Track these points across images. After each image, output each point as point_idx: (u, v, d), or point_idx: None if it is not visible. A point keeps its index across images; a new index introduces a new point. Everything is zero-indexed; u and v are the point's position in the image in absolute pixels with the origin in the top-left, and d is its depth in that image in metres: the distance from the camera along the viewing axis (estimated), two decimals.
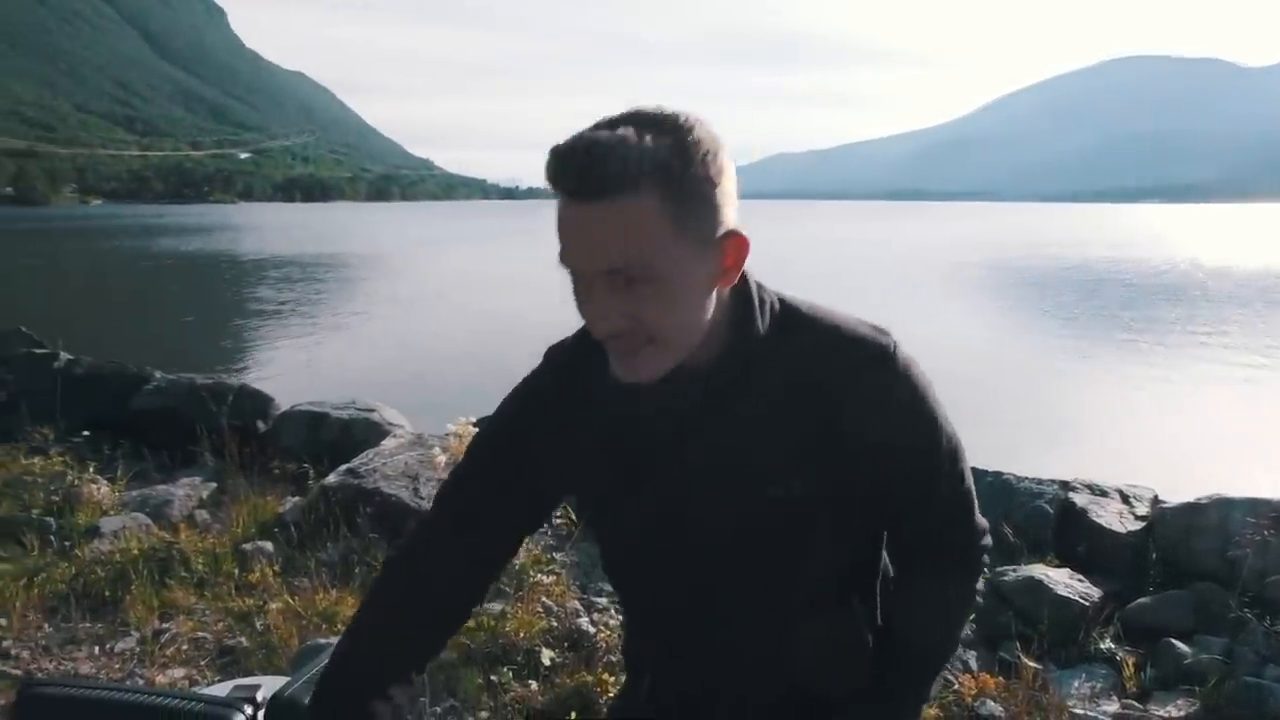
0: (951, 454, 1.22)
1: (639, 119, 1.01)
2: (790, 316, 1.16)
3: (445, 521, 1.28)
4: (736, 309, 1.14)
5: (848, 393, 1.12)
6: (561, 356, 1.27)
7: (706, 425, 1.15)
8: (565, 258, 1.04)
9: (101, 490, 5.29)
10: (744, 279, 1.15)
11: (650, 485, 1.20)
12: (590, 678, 3.38)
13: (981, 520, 1.30)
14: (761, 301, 1.16)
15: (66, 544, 4.61)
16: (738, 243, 1.07)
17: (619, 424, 1.19)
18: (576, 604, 4.04)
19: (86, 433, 6.25)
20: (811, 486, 1.13)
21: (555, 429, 1.24)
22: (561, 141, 1.00)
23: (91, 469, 5.51)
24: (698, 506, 1.18)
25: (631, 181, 0.97)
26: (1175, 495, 4.98)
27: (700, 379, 1.13)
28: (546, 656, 3.54)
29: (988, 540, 1.31)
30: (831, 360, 1.13)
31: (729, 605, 1.25)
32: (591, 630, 3.75)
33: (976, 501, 1.29)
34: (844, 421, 1.12)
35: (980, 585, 1.33)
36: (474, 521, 1.26)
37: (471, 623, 3.71)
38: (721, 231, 1.06)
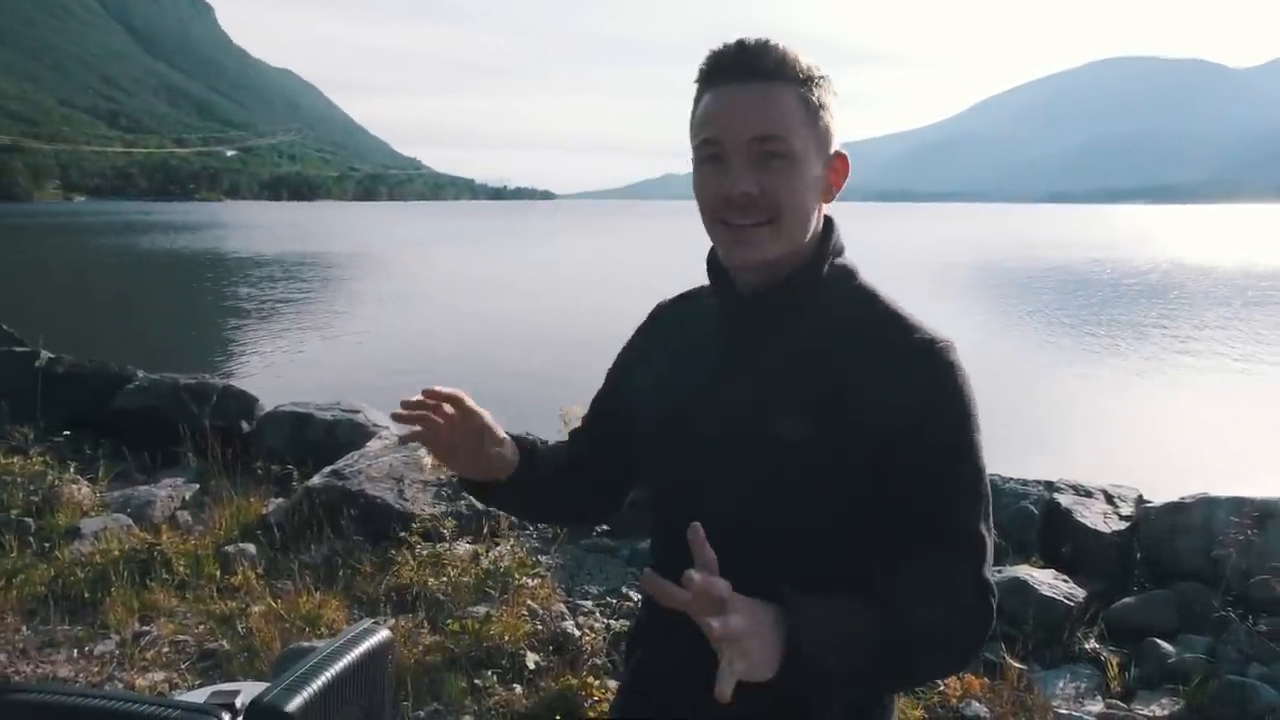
0: (974, 478, 1.18)
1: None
2: (863, 285, 1.28)
3: (580, 435, 1.53)
4: (815, 249, 1.27)
5: (891, 366, 1.17)
6: (661, 305, 1.49)
7: (743, 346, 1.27)
8: (715, 132, 1.20)
9: (82, 491, 5.24)
10: (832, 229, 1.29)
11: (682, 399, 1.30)
12: (575, 681, 3.37)
13: (992, 581, 1.17)
14: (837, 253, 1.28)
15: (46, 545, 4.57)
16: (842, 161, 1.26)
17: (686, 343, 1.35)
18: (562, 607, 4.02)
19: (67, 432, 6.21)
20: (823, 435, 1.16)
21: (646, 355, 1.44)
22: (721, 44, 1.22)
23: (72, 469, 5.47)
24: (713, 427, 1.25)
25: (783, 72, 1.19)
26: (1158, 495, 5.00)
27: (758, 298, 1.26)
28: (531, 660, 3.53)
29: (994, 601, 1.16)
30: (887, 333, 1.21)
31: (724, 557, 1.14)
32: (576, 633, 3.73)
33: (991, 557, 1.17)
34: (877, 391, 1.16)
35: (977, 643, 1.17)
36: (596, 437, 1.50)
37: (455, 626, 3.69)
38: (834, 149, 1.25)
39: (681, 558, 1.21)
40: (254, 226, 76.42)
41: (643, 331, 1.48)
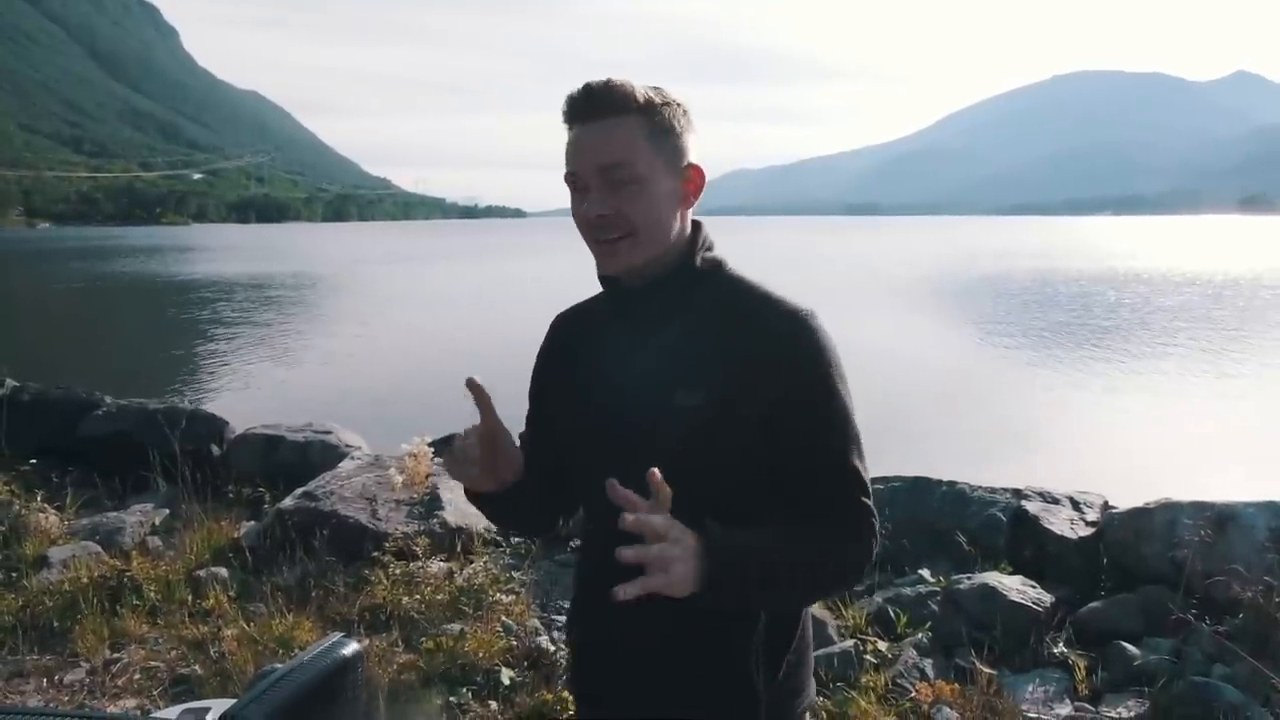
0: (843, 421, 1.39)
1: (630, 80, 1.39)
2: (732, 273, 1.48)
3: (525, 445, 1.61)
4: (685, 248, 1.45)
5: (765, 335, 1.38)
6: (560, 316, 1.67)
7: (638, 336, 1.45)
8: (572, 165, 1.39)
9: (50, 519, 5.19)
10: (700, 230, 1.48)
11: (591, 388, 1.49)
12: (550, 696, 3.38)
13: (871, 504, 1.38)
14: (707, 249, 1.47)
15: (13, 575, 4.52)
16: (696, 171, 1.44)
17: (583, 340, 1.56)
18: (536, 622, 4.03)
19: (34, 460, 6.12)
20: (714, 401, 1.36)
21: (553, 360, 1.62)
22: (574, 89, 1.38)
23: (39, 497, 5.41)
24: (620, 405, 1.43)
25: (621, 107, 1.36)
26: (1123, 500, 5.08)
27: (643, 296, 1.45)
28: (506, 676, 3.54)
29: (875, 522, 1.38)
30: (757, 309, 1.41)
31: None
32: (551, 648, 3.75)
33: (869, 487, 1.39)
34: (755, 359, 1.37)
35: (865, 558, 1.37)
36: (533, 450, 1.56)
37: (430, 644, 3.70)
38: (685, 162, 1.42)
39: (604, 529, 1.40)
40: (221, 249, 75.74)
41: (548, 341, 1.65)
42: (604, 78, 1.39)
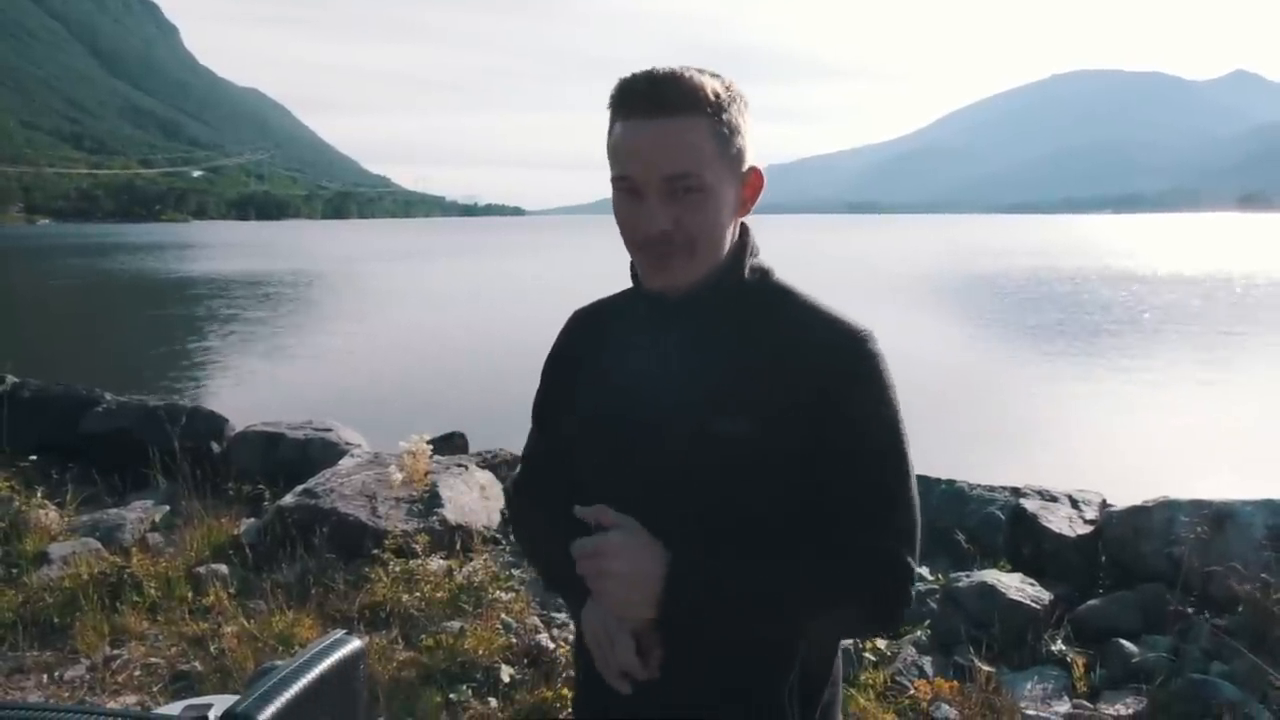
0: (897, 459, 1.25)
1: (693, 68, 1.23)
2: (779, 283, 1.33)
3: (536, 448, 1.53)
4: (733, 255, 1.30)
5: (815, 358, 1.23)
6: (578, 312, 1.51)
7: (674, 350, 1.29)
8: (628, 168, 1.22)
9: (50, 515, 5.19)
10: (747, 235, 1.33)
11: (616, 401, 1.32)
12: (550, 694, 3.39)
13: (913, 564, 1.23)
14: (752, 258, 1.32)
15: (14, 571, 4.52)
16: (757, 175, 1.29)
17: (607, 347, 1.38)
18: (536, 620, 4.04)
19: (34, 456, 6.12)
20: (758, 427, 1.20)
21: (570, 364, 1.45)
22: (630, 74, 1.22)
23: (40, 494, 5.40)
24: (651, 427, 1.27)
25: (693, 104, 1.19)
26: (1122, 498, 5.08)
27: (682, 306, 1.28)
28: (506, 673, 3.54)
29: (909, 587, 1.22)
30: (809, 328, 1.26)
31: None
32: (551, 646, 3.75)
33: (916, 542, 1.25)
34: (805, 385, 1.21)
35: (887, 615, 1.25)
36: (551, 444, 1.47)
37: (430, 641, 3.70)
38: (747, 166, 1.27)
39: None
40: (221, 246, 75.71)
41: (565, 336, 1.49)
42: (668, 67, 1.21)
